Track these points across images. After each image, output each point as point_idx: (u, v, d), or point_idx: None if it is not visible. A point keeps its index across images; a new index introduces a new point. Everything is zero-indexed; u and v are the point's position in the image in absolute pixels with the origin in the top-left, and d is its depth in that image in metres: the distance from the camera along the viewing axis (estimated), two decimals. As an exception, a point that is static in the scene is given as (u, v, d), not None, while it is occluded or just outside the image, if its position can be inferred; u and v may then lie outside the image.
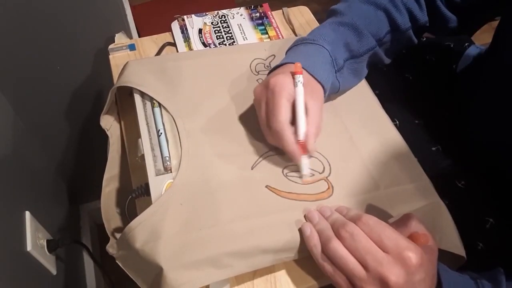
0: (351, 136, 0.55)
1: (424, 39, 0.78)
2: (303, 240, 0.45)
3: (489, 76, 0.59)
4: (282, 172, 0.51)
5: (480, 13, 0.61)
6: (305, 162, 0.50)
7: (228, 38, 0.73)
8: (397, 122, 0.64)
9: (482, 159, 0.60)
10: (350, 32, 0.57)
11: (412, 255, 0.39)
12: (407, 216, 0.44)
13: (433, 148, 0.63)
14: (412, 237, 0.42)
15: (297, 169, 0.51)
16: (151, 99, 0.55)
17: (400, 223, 0.43)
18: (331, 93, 0.57)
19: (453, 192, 0.50)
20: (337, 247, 0.41)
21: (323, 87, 0.53)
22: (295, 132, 0.49)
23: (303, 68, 0.52)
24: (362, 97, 0.61)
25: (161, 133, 0.52)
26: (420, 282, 0.39)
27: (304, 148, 0.49)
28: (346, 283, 0.41)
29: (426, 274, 0.40)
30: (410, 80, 0.72)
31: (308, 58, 0.53)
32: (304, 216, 0.47)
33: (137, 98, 0.56)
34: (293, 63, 0.51)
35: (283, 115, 0.48)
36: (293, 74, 0.50)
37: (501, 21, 0.57)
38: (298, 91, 0.49)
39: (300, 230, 0.45)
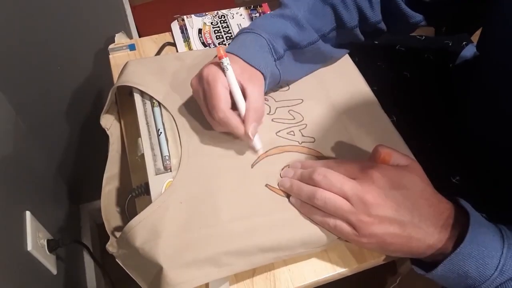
0: (351, 135, 0.56)
1: (424, 37, 0.78)
2: (302, 238, 0.45)
3: (481, 74, 0.60)
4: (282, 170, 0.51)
5: (449, 7, 0.60)
6: (256, 139, 0.51)
7: (228, 38, 0.73)
8: (394, 118, 0.64)
9: (477, 156, 0.61)
10: (291, 24, 0.56)
11: (374, 171, 0.43)
12: (374, 148, 0.47)
13: (429, 144, 0.63)
14: (381, 161, 0.46)
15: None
16: (151, 99, 0.56)
17: (371, 157, 0.47)
18: (272, 82, 0.56)
19: (447, 188, 0.50)
20: (323, 192, 0.43)
21: (262, 73, 0.52)
22: (239, 115, 0.50)
23: (240, 58, 0.51)
24: (360, 95, 0.61)
25: (161, 133, 0.52)
26: (404, 194, 0.42)
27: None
28: (337, 222, 0.43)
29: (409, 187, 0.43)
30: (408, 77, 0.73)
31: (245, 47, 0.53)
32: (280, 175, 0.50)
33: (137, 97, 0.56)
34: (231, 52, 0.51)
35: (223, 103, 0.48)
36: (218, 59, 0.49)
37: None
38: (229, 75, 0.49)
39: (298, 227, 0.46)
